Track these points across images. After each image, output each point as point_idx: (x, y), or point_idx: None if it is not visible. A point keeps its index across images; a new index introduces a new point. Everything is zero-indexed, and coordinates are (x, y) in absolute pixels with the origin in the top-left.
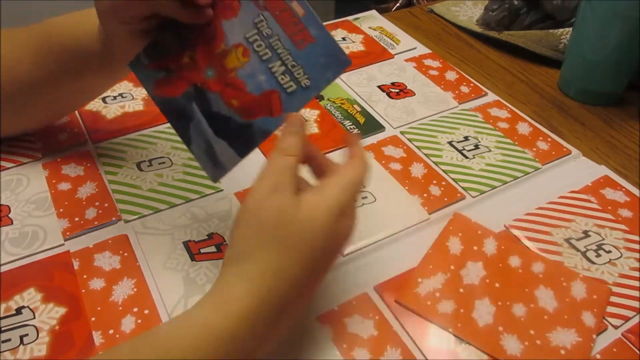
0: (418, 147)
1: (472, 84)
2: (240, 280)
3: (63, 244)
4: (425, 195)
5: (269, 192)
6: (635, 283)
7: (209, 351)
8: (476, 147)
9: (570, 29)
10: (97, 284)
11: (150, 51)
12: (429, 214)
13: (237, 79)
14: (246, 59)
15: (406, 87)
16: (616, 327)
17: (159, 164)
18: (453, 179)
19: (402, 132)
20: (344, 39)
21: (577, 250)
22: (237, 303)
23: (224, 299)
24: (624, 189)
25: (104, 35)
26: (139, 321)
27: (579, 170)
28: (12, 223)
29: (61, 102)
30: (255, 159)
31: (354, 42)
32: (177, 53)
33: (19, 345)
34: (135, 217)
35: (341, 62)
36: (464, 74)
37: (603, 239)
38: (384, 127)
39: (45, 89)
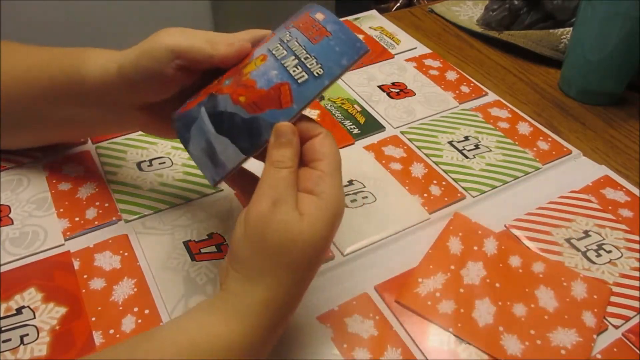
0: (418, 147)
1: (472, 84)
2: (249, 300)
3: (63, 244)
4: (425, 195)
5: (270, 209)
6: (636, 283)
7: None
8: (476, 147)
9: (571, 28)
10: (97, 283)
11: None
12: (429, 213)
13: (250, 79)
14: (262, 62)
15: (406, 87)
16: (617, 327)
17: (160, 164)
18: (453, 179)
19: (402, 132)
20: None
21: (578, 250)
22: (246, 317)
23: (234, 312)
24: (624, 189)
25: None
26: (139, 321)
27: (579, 170)
28: (12, 223)
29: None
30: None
31: None
32: (210, 82)
33: (19, 345)
34: (136, 217)
35: (356, 49)
36: (465, 74)
37: (603, 239)
38: (384, 127)
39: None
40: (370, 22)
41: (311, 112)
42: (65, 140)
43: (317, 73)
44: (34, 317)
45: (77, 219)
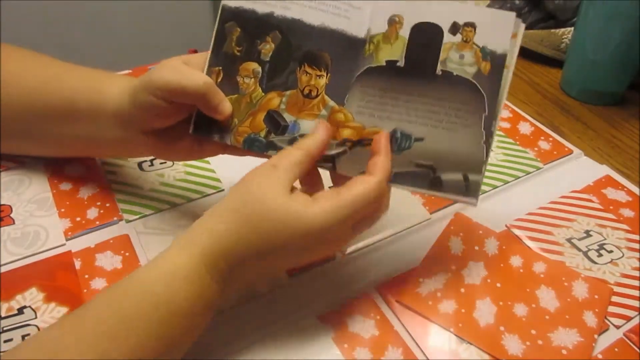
0: None
1: None
2: (196, 227)
3: (65, 244)
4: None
5: (261, 170)
6: (637, 283)
7: (180, 286)
8: None
9: (572, 28)
10: (98, 283)
11: None
12: (430, 213)
13: None
14: None
15: None
16: (618, 327)
17: (160, 163)
18: None
19: None
20: None
21: (579, 250)
22: (190, 244)
23: (182, 240)
24: (625, 189)
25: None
26: None
27: (580, 170)
28: (14, 223)
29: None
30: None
31: None
32: None
33: None
34: (137, 217)
35: None
36: None
37: (605, 239)
38: None
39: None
40: None
41: None
42: (70, 155)
43: None
44: (36, 317)
45: (78, 219)
